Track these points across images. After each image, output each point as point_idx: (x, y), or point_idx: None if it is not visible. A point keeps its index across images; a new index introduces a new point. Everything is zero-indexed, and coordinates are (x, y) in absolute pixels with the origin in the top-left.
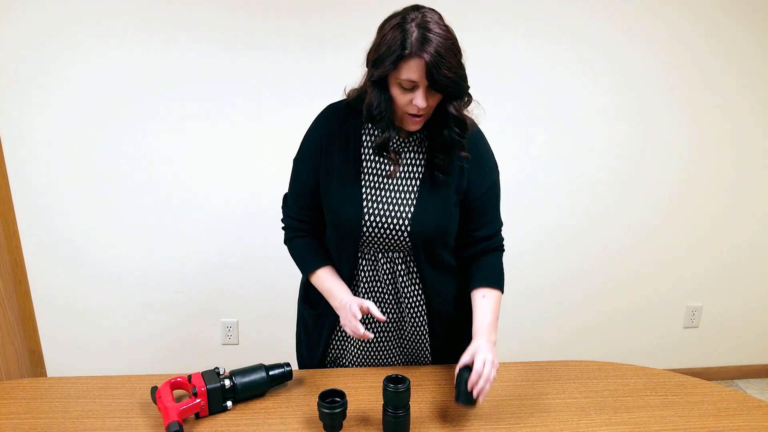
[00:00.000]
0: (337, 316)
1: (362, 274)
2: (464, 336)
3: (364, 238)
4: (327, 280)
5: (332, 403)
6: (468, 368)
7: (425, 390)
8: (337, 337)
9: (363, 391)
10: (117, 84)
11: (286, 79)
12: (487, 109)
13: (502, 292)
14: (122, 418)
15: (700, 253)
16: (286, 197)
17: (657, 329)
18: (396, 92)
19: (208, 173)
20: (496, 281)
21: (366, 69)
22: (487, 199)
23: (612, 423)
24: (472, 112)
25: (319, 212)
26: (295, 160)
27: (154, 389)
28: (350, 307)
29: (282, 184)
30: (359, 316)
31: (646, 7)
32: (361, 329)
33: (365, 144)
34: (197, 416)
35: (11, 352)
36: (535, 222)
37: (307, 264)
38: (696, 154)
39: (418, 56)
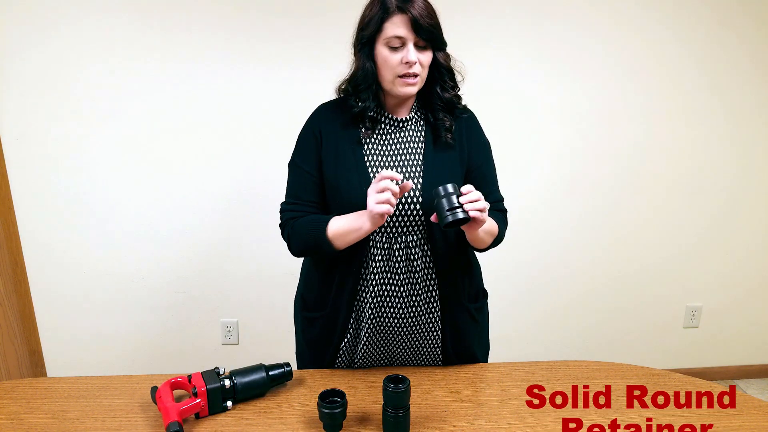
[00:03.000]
0: (349, 316)
1: (374, 264)
2: (478, 343)
3: None
4: (343, 217)
5: (332, 403)
6: (446, 193)
7: (425, 390)
8: (347, 340)
9: (363, 391)
10: (117, 85)
11: (286, 78)
12: (488, 108)
13: (500, 231)
14: (122, 418)
15: (699, 253)
16: (283, 204)
17: (657, 329)
18: (386, 55)
19: (208, 174)
20: (495, 216)
21: (354, 57)
22: (487, 169)
23: (612, 423)
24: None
25: (323, 207)
26: (292, 161)
27: (154, 389)
28: (370, 190)
29: (283, 183)
30: (386, 179)
31: (650, 8)
32: (392, 184)
33: (362, 128)
34: (197, 416)
35: (11, 352)
36: (534, 222)
37: (319, 222)
38: (696, 154)
39: (401, 12)
